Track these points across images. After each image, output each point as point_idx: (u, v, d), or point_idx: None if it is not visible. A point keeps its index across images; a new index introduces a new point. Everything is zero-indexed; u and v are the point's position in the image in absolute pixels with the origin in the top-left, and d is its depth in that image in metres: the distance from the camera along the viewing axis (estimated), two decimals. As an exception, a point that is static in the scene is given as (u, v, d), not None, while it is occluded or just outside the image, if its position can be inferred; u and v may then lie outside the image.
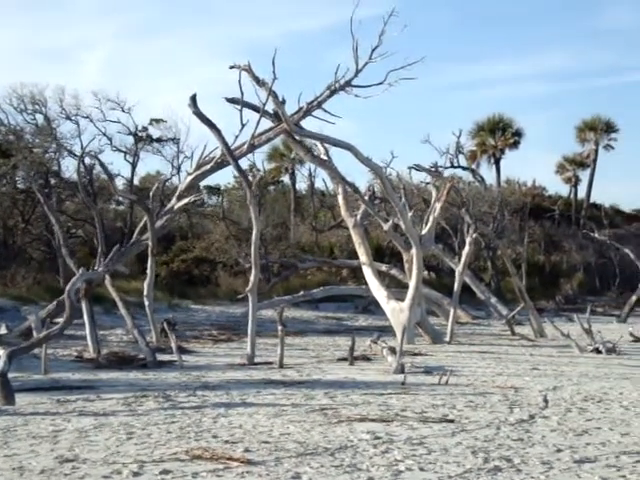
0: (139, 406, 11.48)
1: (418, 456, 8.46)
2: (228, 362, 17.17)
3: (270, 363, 16.82)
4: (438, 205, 24.62)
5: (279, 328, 17.12)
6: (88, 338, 18.02)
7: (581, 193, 59.00)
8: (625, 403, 12.22)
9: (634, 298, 33.70)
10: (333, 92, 20.51)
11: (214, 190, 42.44)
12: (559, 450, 8.88)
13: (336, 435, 9.44)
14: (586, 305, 28.41)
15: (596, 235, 46.60)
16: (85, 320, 18.07)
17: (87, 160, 28.61)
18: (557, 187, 64.51)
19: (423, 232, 23.97)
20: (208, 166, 21.32)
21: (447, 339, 22.79)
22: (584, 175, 58.76)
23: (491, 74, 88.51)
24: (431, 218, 24.48)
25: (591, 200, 58.66)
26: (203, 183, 31.46)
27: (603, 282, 48.25)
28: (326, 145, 22.99)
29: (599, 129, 57.08)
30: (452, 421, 10.47)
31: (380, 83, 20.38)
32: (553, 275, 45.07)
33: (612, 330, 26.04)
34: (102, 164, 24.97)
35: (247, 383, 13.98)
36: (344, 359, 17.44)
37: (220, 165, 21.09)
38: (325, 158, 23.43)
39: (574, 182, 58.83)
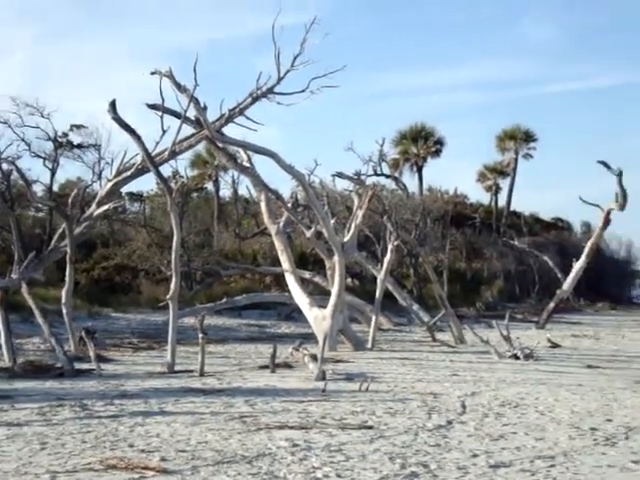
0: (54, 416, 11.24)
1: (336, 463, 8.46)
2: (148, 370, 16.97)
3: (191, 371, 16.67)
4: (361, 213, 24.75)
5: (200, 336, 16.99)
6: (3, 347, 17.64)
7: (501, 201, 60.10)
8: (541, 408, 12.41)
9: (552, 305, 34.31)
10: (255, 99, 20.47)
11: (136, 197, 41.97)
12: (475, 455, 8.98)
13: (254, 443, 9.39)
14: (506, 312, 28.83)
15: (516, 243, 47.48)
16: (0, 328, 17.68)
17: (4, 166, 27.98)
18: (478, 195, 65.45)
19: (346, 239, 24.05)
20: (129, 172, 21.08)
21: (369, 346, 22.90)
22: (504, 184, 59.91)
23: (414, 83, 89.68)
24: (354, 225, 24.59)
25: (511, 208, 59.78)
26: (125, 190, 31.16)
27: (522, 289, 49.15)
28: (249, 152, 22.94)
29: (519, 138, 58.25)
30: (371, 427, 10.51)
31: (302, 90, 20.43)
32: (474, 282, 45.72)
33: (530, 336, 26.51)
34: (19, 170, 24.51)
35: (166, 391, 13.83)
36: (266, 367, 17.38)
37: (141, 171, 20.87)
38: (248, 165, 23.38)
39: (495, 190, 59.88)
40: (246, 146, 21.99)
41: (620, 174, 31.87)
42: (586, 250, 34.02)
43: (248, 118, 20.45)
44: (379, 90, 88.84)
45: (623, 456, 9.11)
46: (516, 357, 20.04)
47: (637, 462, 8.82)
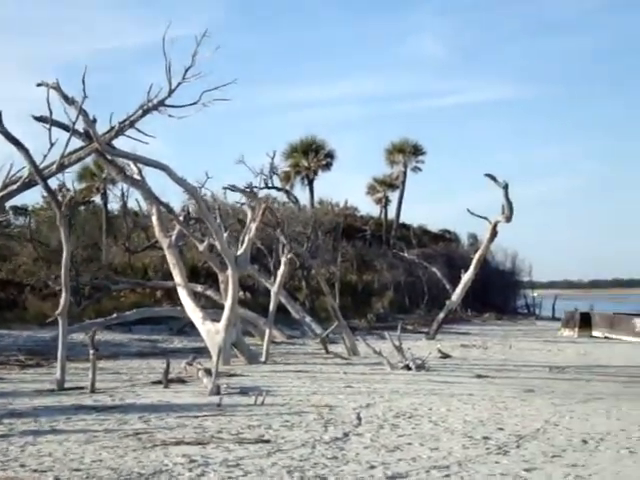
0: (-61, 438, 10.83)
1: (234, 478, 8.41)
2: (37, 388, 16.49)
3: (81, 388, 16.28)
4: (253, 226, 24.71)
5: (91, 352, 16.64)
6: None
7: (391, 214, 60.94)
8: (434, 418, 12.60)
9: (441, 315, 34.91)
10: (146, 111, 20.20)
11: (21, 210, 40.94)
12: (372, 467, 9.04)
13: (150, 460, 9.24)
14: (397, 323, 29.14)
15: (405, 254, 48.24)
16: None
17: None
18: (368, 208, 66.30)
19: (239, 253, 23.94)
20: (15, 186, 20.50)
21: (263, 359, 22.82)
22: (394, 196, 60.81)
23: (306, 97, 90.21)
24: (246, 239, 24.52)
25: (400, 220, 60.70)
26: (9, 203, 30.28)
27: (412, 300, 49.87)
28: (139, 165, 22.64)
29: (407, 152, 59.27)
30: (268, 441, 10.47)
31: (194, 103, 20.26)
32: (365, 294, 46.13)
33: (421, 347, 26.91)
34: None
35: (57, 409, 13.46)
36: (159, 382, 17.11)
37: (28, 185, 20.31)
38: (138, 178, 23.06)
39: (384, 203, 60.75)
40: (137, 159, 21.68)
41: (506, 187, 32.73)
42: (474, 262, 34.79)
43: (139, 131, 20.18)
44: (271, 103, 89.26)
45: (515, 464, 9.32)
46: (408, 368, 20.28)
47: (529, 470, 9.05)
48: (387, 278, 49.29)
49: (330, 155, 57.30)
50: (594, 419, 12.78)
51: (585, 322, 38.48)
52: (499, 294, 60.95)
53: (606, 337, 36.55)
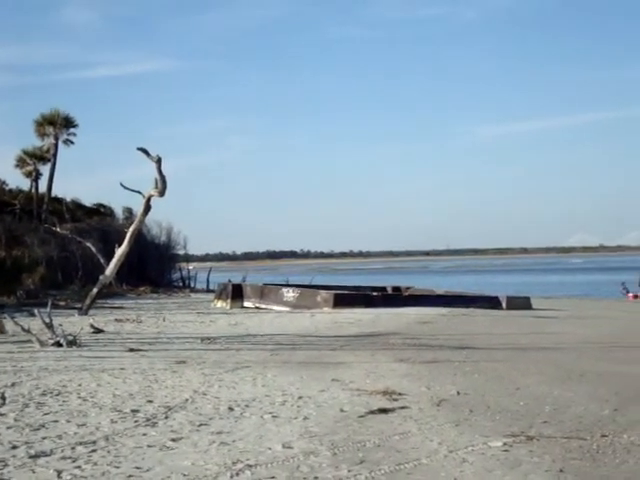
0: None
1: None
2: None
3: None
4: None
5: None
6: None
7: (42, 187, 58.88)
8: (83, 394, 12.38)
9: (95, 290, 34.35)
10: None
11: None
12: (15, 447, 8.73)
13: None
14: (48, 299, 28.31)
15: (58, 229, 46.81)
16: None
17: None
18: (18, 181, 63.59)
19: None
20: None
21: None
22: (45, 169, 58.73)
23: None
24: None
25: (53, 194, 58.82)
26: None
27: (65, 276, 48.68)
28: None
29: (58, 124, 57.41)
30: None
31: None
32: (15, 270, 44.24)
33: (74, 323, 26.31)
34: None
35: None
36: None
37: None
38: None
39: (35, 176, 58.52)
40: None
41: (159, 161, 32.73)
42: (128, 235, 34.50)
43: None
44: None
45: (163, 435, 9.42)
46: (59, 344, 19.75)
47: (176, 440, 9.18)
48: (38, 253, 47.64)
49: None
50: (241, 387, 13.21)
51: (237, 293, 39.66)
52: (155, 268, 61.16)
53: (257, 307, 37.93)
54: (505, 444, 9.07)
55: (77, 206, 62.44)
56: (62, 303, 36.38)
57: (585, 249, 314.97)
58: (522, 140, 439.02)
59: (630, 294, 54.26)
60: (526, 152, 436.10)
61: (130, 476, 7.72)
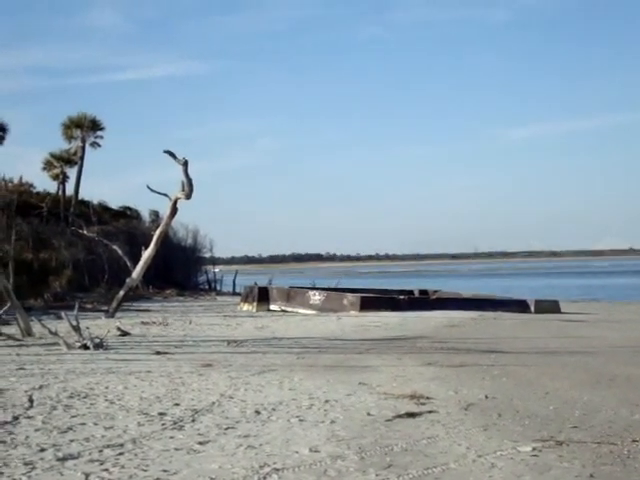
0: None
1: None
2: None
3: None
4: None
5: None
6: None
7: (69, 190, 59.24)
8: (110, 397, 12.39)
9: (122, 293, 34.48)
10: None
11: None
12: (43, 449, 8.73)
13: None
14: (75, 302, 28.44)
15: (85, 232, 47.05)
16: None
17: None
18: (45, 184, 63.99)
19: None
20: None
21: None
22: (72, 172, 59.11)
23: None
24: None
25: (79, 197, 59.19)
26: None
27: (92, 278, 48.90)
28: None
29: (85, 126, 57.77)
30: None
31: None
32: (42, 273, 44.55)
33: (100, 325, 26.42)
34: None
35: None
36: None
37: None
38: None
39: (62, 179, 58.90)
40: None
41: (186, 163, 32.82)
42: (154, 238, 34.62)
43: None
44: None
45: (190, 438, 9.39)
46: (86, 347, 19.82)
47: (203, 443, 9.15)
48: (65, 256, 47.92)
49: (2, 129, 54.58)
50: (267, 390, 13.18)
51: (263, 296, 39.71)
52: (181, 270, 61.36)
53: (283, 310, 37.95)
54: (534, 449, 8.96)
55: (104, 209, 62.75)
56: (89, 306, 36.57)
57: (614, 252, 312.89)
58: (552, 142, 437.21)
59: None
60: (555, 154, 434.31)
61: (157, 479, 7.70)
